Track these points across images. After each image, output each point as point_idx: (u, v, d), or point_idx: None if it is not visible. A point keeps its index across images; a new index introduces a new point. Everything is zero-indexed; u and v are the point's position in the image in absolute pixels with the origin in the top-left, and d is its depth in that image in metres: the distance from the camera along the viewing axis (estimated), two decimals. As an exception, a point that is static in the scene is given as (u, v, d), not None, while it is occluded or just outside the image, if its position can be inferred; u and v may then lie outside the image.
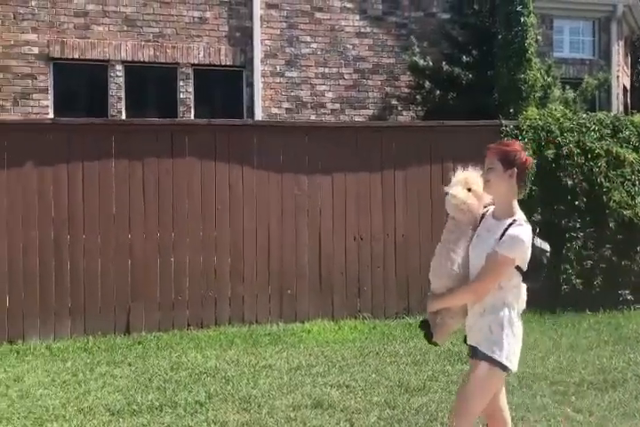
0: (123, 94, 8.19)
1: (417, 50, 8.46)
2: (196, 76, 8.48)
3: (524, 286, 2.57)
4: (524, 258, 2.50)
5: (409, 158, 6.22)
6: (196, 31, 8.39)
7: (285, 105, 8.59)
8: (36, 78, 7.93)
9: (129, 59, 8.18)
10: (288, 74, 8.62)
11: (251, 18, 8.38)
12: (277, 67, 8.58)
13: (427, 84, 8.37)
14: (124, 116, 8.05)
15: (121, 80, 8.18)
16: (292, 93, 8.62)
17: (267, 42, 8.54)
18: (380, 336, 5.55)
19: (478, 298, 2.52)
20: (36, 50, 7.91)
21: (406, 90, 8.90)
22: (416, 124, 7.59)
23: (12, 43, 7.83)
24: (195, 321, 5.70)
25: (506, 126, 6.38)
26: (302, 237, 6.01)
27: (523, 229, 2.48)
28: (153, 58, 8.26)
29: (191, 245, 5.75)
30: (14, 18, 7.82)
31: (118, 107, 8.15)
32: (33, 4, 7.87)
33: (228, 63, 8.49)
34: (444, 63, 8.31)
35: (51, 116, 7.79)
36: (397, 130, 6.58)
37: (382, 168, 6.16)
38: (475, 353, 2.53)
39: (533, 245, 2.52)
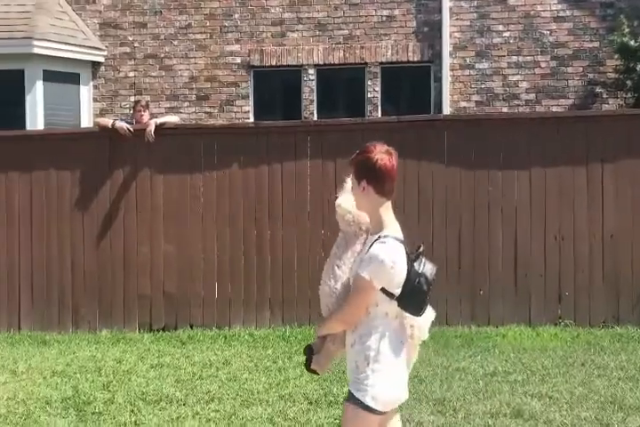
0: (314, 97, 8.53)
1: (626, 30, 7.60)
2: (384, 74, 8.53)
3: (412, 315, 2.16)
4: (388, 280, 2.09)
5: (619, 150, 5.60)
6: (384, 30, 8.43)
7: (475, 98, 8.27)
8: (238, 86, 8.59)
9: (320, 62, 8.49)
10: (478, 66, 8.29)
11: (440, 11, 8.20)
12: (467, 59, 8.29)
13: (638, 66, 7.48)
14: (315, 118, 8.38)
15: (313, 83, 8.53)
16: (483, 86, 8.27)
17: (456, 34, 8.30)
18: (585, 346, 5.08)
19: (347, 326, 2.17)
20: (238, 59, 8.57)
21: (613, 75, 8.05)
22: (627, 111, 6.81)
23: (219, 54, 8.57)
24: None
25: None
26: (496, 236, 5.73)
27: (383, 247, 2.09)
28: (342, 60, 8.48)
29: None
30: (220, 31, 8.55)
31: (310, 109, 8.51)
32: (236, 16, 8.53)
33: (415, 59, 8.41)
34: (659, 43, 7.36)
35: (251, 120, 8.38)
36: (605, 119, 5.96)
37: (588, 161, 5.63)
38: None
39: (412, 266, 2.11)
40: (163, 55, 8.58)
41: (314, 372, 2.35)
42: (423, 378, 4.32)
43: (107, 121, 5.88)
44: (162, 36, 8.57)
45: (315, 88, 8.54)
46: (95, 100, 8.63)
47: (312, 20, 8.48)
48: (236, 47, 8.55)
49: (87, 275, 5.97)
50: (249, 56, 8.54)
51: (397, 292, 2.11)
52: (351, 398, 2.14)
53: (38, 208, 5.95)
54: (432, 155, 5.77)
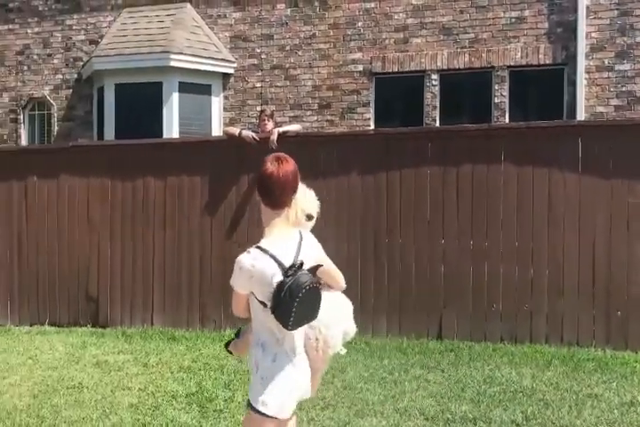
0: (437, 103, 8.37)
1: None
2: (512, 78, 8.17)
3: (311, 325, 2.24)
4: (246, 287, 2.19)
5: None
6: (513, 32, 8.08)
7: (614, 102, 7.67)
8: (360, 93, 8.63)
9: (444, 67, 8.31)
10: (618, 67, 7.68)
11: (575, 10, 7.72)
12: (605, 60, 7.72)
13: None
14: (438, 125, 8.21)
15: (436, 89, 8.36)
16: (624, 88, 7.65)
17: (593, 34, 7.76)
18: None
19: (237, 315, 2.35)
20: (360, 67, 8.61)
21: None
22: None
23: (341, 62, 8.67)
24: (508, 335, 5.45)
25: None
26: (635, 252, 5.25)
27: (244, 256, 2.18)
28: (468, 64, 8.24)
29: (505, 255, 5.52)
30: (343, 39, 8.65)
31: (433, 115, 8.35)
32: (359, 24, 8.59)
33: (547, 62, 7.97)
34: None
35: (372, 127, 8.38)
36: None
37: None
38: None
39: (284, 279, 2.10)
40: (288, 65, 8.83)
41: (229, 352, 2.49)
42: (549, 402, 4.04)
43: (234, 130, 6.16)
44: (287, 47, 8.82)
45: (438, 94, 8.37)
46: (225, 109, 9.06)
47: (436, 25, 8.33)
48: (358, 55, 8.60)
49: (213, 276, 6.26)
50: (371, 63, 8.56)
51: (266, 301, 2.15)
52: (248, 401, 2.25)
53: (171, 211, 6.34)
54: (564, 162, 5.42)
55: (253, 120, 8.60)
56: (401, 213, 5.77)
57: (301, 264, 2.17)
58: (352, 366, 4.95)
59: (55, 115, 9.78)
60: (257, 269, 2.15)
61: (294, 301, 2.10)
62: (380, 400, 4.17)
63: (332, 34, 8.68)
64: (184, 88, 8.72)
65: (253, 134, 5.92)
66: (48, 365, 5.22)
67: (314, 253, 2.33)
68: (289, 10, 8.82)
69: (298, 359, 2.27)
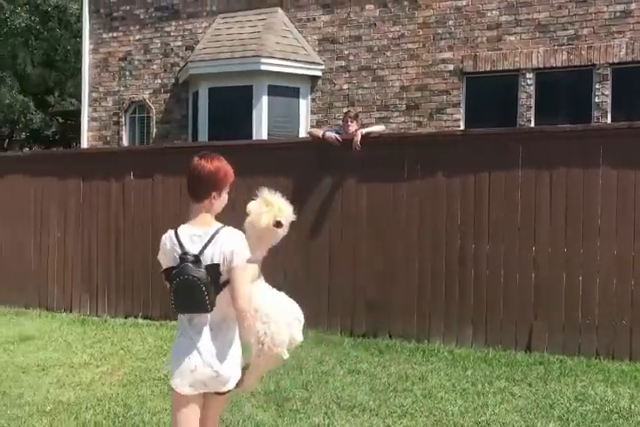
0: (532, 103, 8.00)
1: None
2: (615, 76, 7.67)
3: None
4: (162, 262, 2.50)
5: None
6: (618, 27, 7.58)
7: None
8: (449, 94, 8.41)
9: (540, 66, 7.93)
10: None
11: (688, 1, 7.15)
12: None
13: None
14: (532, 125, 7.84)
15: (531, 88, 8.00)
16: None
17: None
18: None
19: None
20: (450, 67, 8.39)
21: None
22: None
23: (430, 62, 8.49)
24: (604, 350, 5.09)
25: None
26: None
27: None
28: (566, 62, 7.82)
29: (602, 265, 5.16)
30: (433, 39, 8.47)
31: (527, 115, 8.00)
32: (450, 23, 8.37)
33: (654, 58, 7.42)
34: None
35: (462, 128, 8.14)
36: None
37: None
38: None
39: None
40: (375, 66, 8.76)
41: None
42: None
43: (318, 131, 6.17)
44: (375, 48, 8.76)
45: (533, 93, 8.01)
46: (312, 112, 9.13)
47: (532, 22, 7.97)
48: (448, 55, 8.40)
49: (296, 278, 6.28)
50: (462, 63, 8.32)
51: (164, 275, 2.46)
52: None
53: (256, 212, 6.45)
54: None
55: (340, 122, 8.58)
56: (489, 219, 5.55)
57: (196, 256, 2.36)
58: (433, 374, 4.81)
59: (154, 117, 10.26)
60: (166, 247, 2.47)
61: (171, 286, 2.37)
62: (460, 412, 4.02)
63: (421, 33, 8.53)
64: (273, 91, 8.88)
65: (337, 136, 5.90)
66: (138, 356, 5.46)
67: (224, 249, 2.41)
68: (378, 10, 8.75)
69: (202, 343, 2.43)
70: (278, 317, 2.48)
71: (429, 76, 8.51)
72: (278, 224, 2.55)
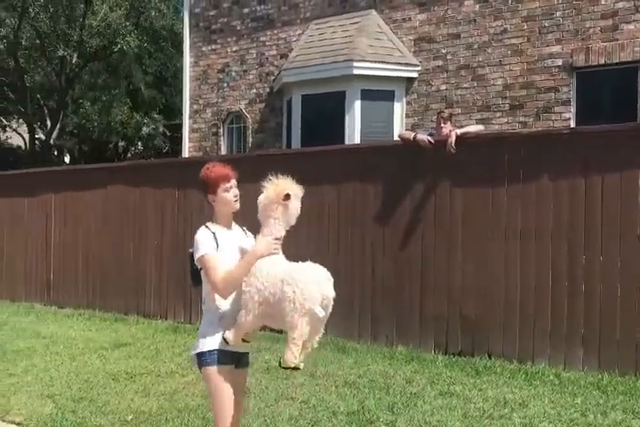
0: (654, 97, 7.15)
1: None
2: None
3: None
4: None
5: None
6: None
7: None
8: (558, 91, 7.72)
9: (664, 55, 7.07)
10: None
11: None
12: None
13: None
14: (655, 121, 6.99)
15: (653, 81, 7.15)
16: None
17: None
18: None
19: None
20: (559, 61, 7.71)
21: None
22: None
23: (536, 58, 7.84)
24: None
25: None
26: None
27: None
28: (695, 49, 6.91)
29: None
30: (539, 32, 7.83)
31: (649, 111, 7.15)
32: (557, 14, 7.70)
33: None
34: None
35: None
36: None
37: None
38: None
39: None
40: (475, 65, 8.25)
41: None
42: None
43: (409, 134, 5.80)
44: (475, 46, 8.25)
45: (655, 87, 7.16)
46: (407, 115, 8.76)
47: (654, 6, 7.13)
48: (556, 48, 7.72)
49: (386, 288, 5.96)
50: (572, 57, 7.61)
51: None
52: None
53: (345, 219, 6.18)
54: None
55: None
56: (602, 226, 4.91)
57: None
58: (536, 400, 4.28)
59: (250, 127, 10.35)
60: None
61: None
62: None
63: (525, 27, 7.92)
64: (366, 95, 8.62)
65: (429, 138, 5.50)
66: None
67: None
68: (477, 6, 8.25)
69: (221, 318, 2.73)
70: (303, 276, 2.47)
71: (535, 73, 7.87)
72: (287, 197, 2.58)
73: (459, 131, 5.40)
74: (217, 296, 2.71)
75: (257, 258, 2.63)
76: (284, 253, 2.72)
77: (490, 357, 5.31)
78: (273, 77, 9.88)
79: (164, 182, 7.57)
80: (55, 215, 8.74)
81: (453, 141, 5.29)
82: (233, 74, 10.56)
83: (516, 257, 5.24)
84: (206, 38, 10.87)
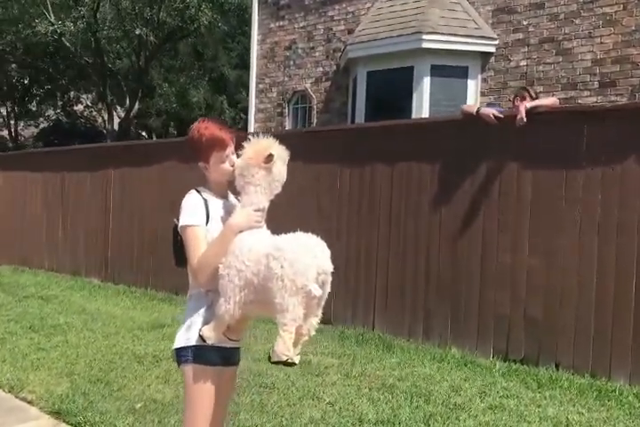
0: None
1: None
2: None
3: None
4: None
5: None
6: None
7: None
8: (657, 65, 6.72)
9: None
10: None
11: None
12: None
13: None
14: None
15: None
16: None
17: None
18: None
19: None
20: (661, 31, 6.70)
21: None
22: None
23: (633, 28, 6.85)
24: None
25: None
26: None
27: None
28: None
29: None
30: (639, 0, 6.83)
31: None
32: (662, -25, 6.68)
33: None
34: None
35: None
36: None
37: None
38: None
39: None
40: (560, 37, 7.35)
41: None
42: None
43: (471, 107, 5.09)
44: (561, 16, 7.34)
45: None
46: (482, 93, 7.98)
47: None
48: (658, 16, 6.70)
49: (441, 281, 5.34)
50: (677, 25, 6.58)
51: None
52: None
53: (397, 202, 5.60)
54: None
55: (514, 104, 7.35)
56: None
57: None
58: (607, 425, 3.57)
59: (315, 107, 9.87)
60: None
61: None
62: None
63: (622, -7, 6.94)
64: (437, 71, 7.91)
65: (494, 111, 4.79)
66: (255, 356, 4.95)
67: None
68: (566, -31, 7.32)
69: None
70: (293, 247, 1.97)
71: (631, 46, 6.88)
72: (269, 158, 2.12)
73: (529, 104, 4.65)
74: None
75: (235, 233, 2.13)
76: (273, 229, 2.23)
77: (557, 367, 4.60)
78: (339, 54, 9.34)
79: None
80: (114, 190, 8.66)
81: (524, 116, 4.56)
82: (299, 51, 10.10)
83: (592, 253, 4.47)
84: (274, 14, 10.46)
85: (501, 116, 4.77)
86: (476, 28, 7.84)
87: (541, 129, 4.64)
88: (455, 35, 7.75)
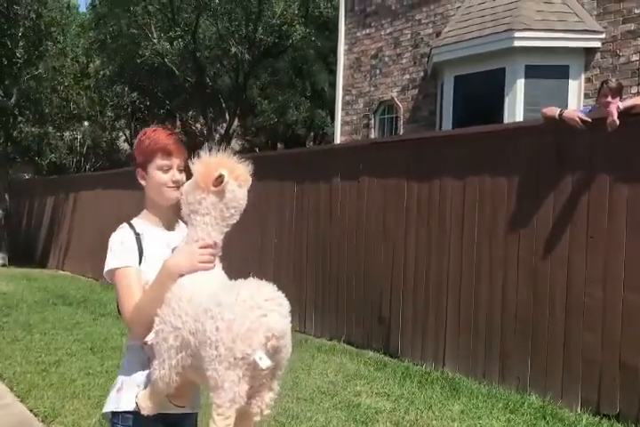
0: None
1: None
2: None
3: None
4: None
5: None
6: None
7: None
8: None
9: None
10: None
11: None
12: None
13: None
14: None
15: None
16: None
17: None
18: None
19: None
20: None
21: None
22: None
23: None
24: None
25: None
26: None
27: None
28: None
29: None
30: None
31: None
32: None
33: None
34: None
35: None
36: None
37: None
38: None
39: None
40: (682, 25, 6.23)
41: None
42: None
43: (553, 110, 4.25)
44: (683, 0, 6.22)
45: None
46: (586, 95, 6.97)
47: None
48: None
49: (519, 315, 4.54)
50: None
51: None
52: None
53: (470, 220, 4.87)
54: None
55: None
56: None
57: None
58: None
59: (401, 117, 9.28)
60: None
61: None
62: None
63: None
64: (532, 72, 7.02)
65: (581, 114, 3.97)
66: (298, 394, 4.45)
67: None
68: (688, -55, 6.21)
69: None
70: (235, 301, 1.47)
71: None
72: (219, 180, 1.61)
73: (622, 104, 3.79)
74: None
75: (173, 277, 1.64)
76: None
77: (662, 429, 3.67)
78: (427, 59, 8.69)
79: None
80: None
81: (616, 118, 3.72)
82: (386, 59, 9.56)
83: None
84: (360, 22, 10.02)
85: (589, 119, 3.95)
86: (577, 22, 6.88)
87: (635, 132, 3.76)
88: (552, 30, 6.84)
